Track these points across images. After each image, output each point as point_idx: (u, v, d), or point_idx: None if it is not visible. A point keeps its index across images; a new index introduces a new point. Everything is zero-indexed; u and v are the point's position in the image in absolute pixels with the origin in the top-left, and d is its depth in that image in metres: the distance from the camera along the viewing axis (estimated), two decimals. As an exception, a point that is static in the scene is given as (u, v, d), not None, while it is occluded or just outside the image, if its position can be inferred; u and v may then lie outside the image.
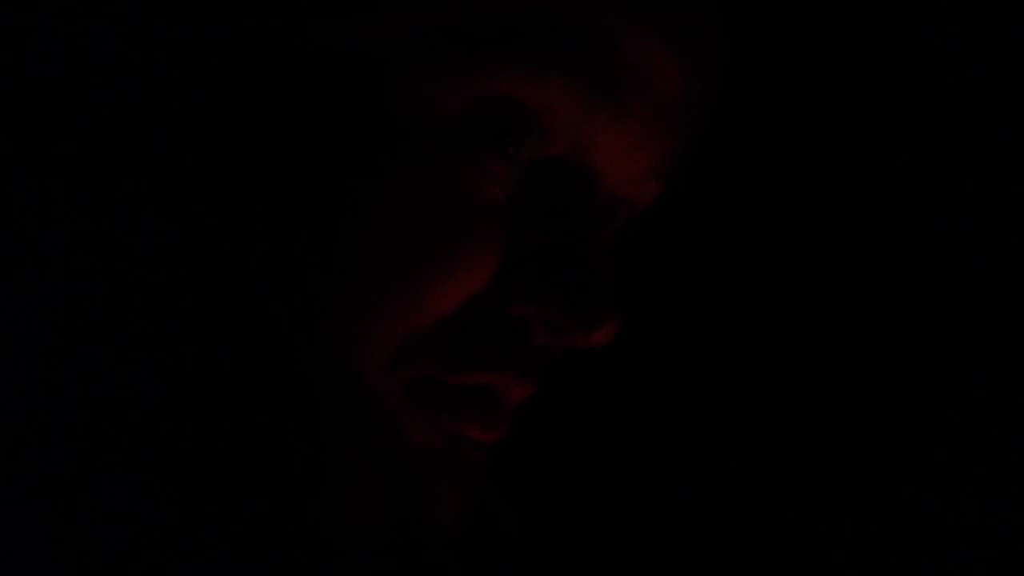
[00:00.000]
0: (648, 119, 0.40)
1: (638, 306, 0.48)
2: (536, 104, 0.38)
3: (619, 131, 0.40)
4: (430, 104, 0.37)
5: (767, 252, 0.71)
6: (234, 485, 0.36)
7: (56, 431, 0.36)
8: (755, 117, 0.68)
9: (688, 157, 0.44)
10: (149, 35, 0.38)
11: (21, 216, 0.38)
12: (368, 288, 0.37)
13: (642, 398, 0.70)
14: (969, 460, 0.67)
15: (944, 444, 0.68)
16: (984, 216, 0.68)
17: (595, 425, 0.70)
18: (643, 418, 0.71)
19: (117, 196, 0.38)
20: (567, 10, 0.37)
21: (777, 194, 0.71)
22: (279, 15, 0.37)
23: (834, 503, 0.69)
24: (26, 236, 0.37)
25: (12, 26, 0.38)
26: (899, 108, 0.69)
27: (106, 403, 0.36)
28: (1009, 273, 0.68)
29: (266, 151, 0.38)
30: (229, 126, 0.37)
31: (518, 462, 0.52)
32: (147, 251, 0.37)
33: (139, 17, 0.38)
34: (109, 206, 0.38)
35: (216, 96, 0.37)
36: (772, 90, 0.69)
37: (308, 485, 0.37)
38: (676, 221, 0.65)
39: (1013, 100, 0.67)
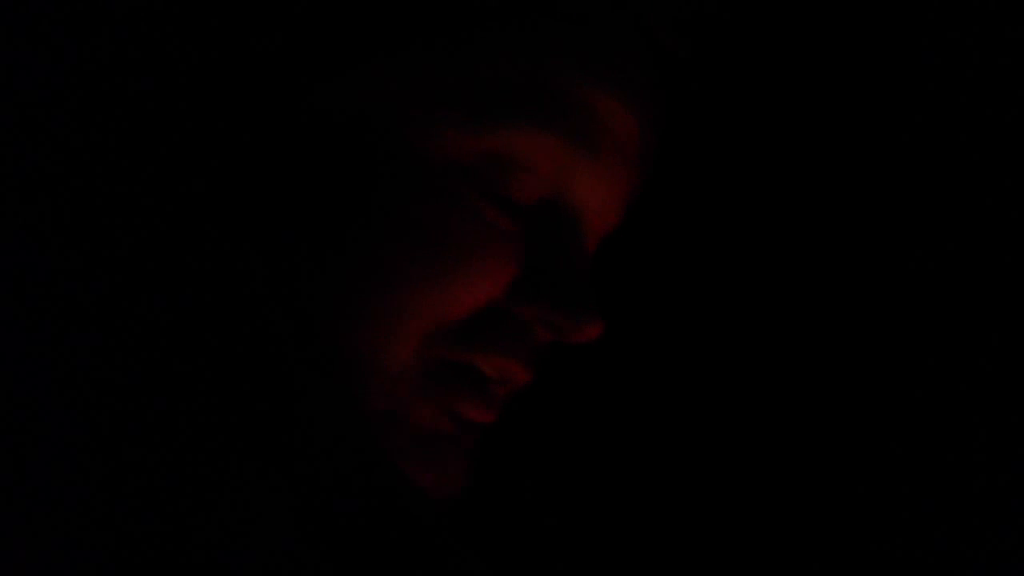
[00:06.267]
0: (614, 162, 0.52)
1: (630, 309, 0.53)
2: (530, 156, 0.50)
3: (593, 172, 0.52)
4: (442, 152, 0.49)
5: (761, 254, 0.72)
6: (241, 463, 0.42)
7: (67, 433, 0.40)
8: (748, 120, 0.71)
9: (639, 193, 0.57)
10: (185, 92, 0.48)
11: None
12: (401, 294, 0.48)
13: (630, 396, 0.73)
14: (968, 460, 0.68)
15: (943, 444, 0.68)
16: (984, 216, 0.69)
17: (587, 419, 0.73)
18: (632, 415, 0.73)
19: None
20: (554, 79, 0.49)
21: (772, 196, 0.72)
22: (315, 77, 0.48)
23: (834, 503, 0.70)
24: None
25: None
26: (897, 111, 0.70)
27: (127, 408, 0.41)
28: (1010, 273, 0.68)
29: (302, 193, 0.49)
30: (267, 177, 0.49)
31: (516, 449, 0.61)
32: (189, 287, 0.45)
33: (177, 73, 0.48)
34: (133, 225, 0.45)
35: (250, 147, 0.48)
36: (764, 95, 0.71)
37: (308, 457, 0.44)
38: (669, 224, 0.69)
39: (1013, 100, 0.68)
